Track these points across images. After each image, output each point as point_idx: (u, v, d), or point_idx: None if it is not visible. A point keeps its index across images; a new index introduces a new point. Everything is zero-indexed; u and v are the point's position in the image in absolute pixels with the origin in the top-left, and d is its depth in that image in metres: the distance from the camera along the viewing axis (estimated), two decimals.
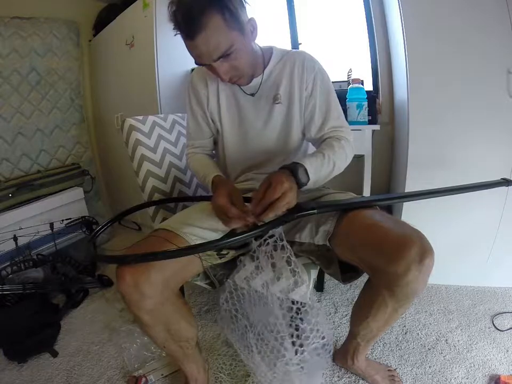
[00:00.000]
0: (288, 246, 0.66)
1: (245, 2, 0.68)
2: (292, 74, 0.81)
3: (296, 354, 0.66)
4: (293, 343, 0.67)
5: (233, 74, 0.72)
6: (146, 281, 0.60)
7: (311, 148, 0.95)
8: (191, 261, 0.69)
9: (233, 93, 0.85)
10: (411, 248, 0.55)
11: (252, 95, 0.83)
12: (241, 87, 0.83)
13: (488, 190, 1.18)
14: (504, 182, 0.71)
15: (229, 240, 0.55)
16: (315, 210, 0.64)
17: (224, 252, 0.74)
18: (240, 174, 0.92)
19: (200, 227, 0.72)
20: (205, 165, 0.88)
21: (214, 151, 0.99)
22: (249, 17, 0.69)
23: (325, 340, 0.68)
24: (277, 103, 0.83)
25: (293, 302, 0.67)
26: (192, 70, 1.71)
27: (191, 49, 0.66)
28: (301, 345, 0.65)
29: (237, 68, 0.70)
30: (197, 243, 0.69)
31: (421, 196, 0.69)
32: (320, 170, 0.69)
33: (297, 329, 0.68)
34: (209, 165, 0.87)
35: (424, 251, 0.55)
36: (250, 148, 0.88)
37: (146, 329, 0.70)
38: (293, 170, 0.65)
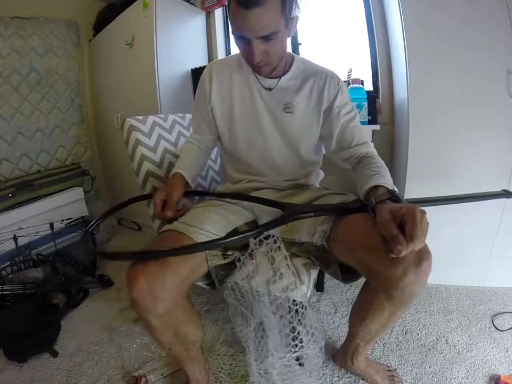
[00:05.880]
0: (283, 249, 0.68)
1: (300, 1, 0.69)
2: (312, 89, 0.82)
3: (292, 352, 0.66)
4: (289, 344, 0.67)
5: (264, 58, 0.71)
6: (161, 285, 0.60)
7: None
8: (200, 263, 0.69)
9: (248, 86, 0.84)
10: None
11: (269, 89, 0.83)
12: (260, 81, 0.82)
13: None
14: (505, 194, 0.71)
15: (234, 238, 0.57)
16: (312, 213, 0.66)
17: (229, 252, 0.74)
18: (241, 178, 0.92)
19: (204, 229, 0.72)
20: (184, 156, 0.93)
21: (210, 150, 0.99)
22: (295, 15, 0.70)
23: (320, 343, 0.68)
24: (288, 112, 0.83)
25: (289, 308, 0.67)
26: (192, 70, 1.70)
27: (240, 19, 0.64)
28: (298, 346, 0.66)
29: (269, 54, 0.70)
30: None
31: (421, 204, 0.70)
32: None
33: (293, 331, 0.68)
34: (186, 158, 0.92)
35: (422, 254, 0.54)
36: (257, 146, 0.87)
37: (154, 332, 0.69)
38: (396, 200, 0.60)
